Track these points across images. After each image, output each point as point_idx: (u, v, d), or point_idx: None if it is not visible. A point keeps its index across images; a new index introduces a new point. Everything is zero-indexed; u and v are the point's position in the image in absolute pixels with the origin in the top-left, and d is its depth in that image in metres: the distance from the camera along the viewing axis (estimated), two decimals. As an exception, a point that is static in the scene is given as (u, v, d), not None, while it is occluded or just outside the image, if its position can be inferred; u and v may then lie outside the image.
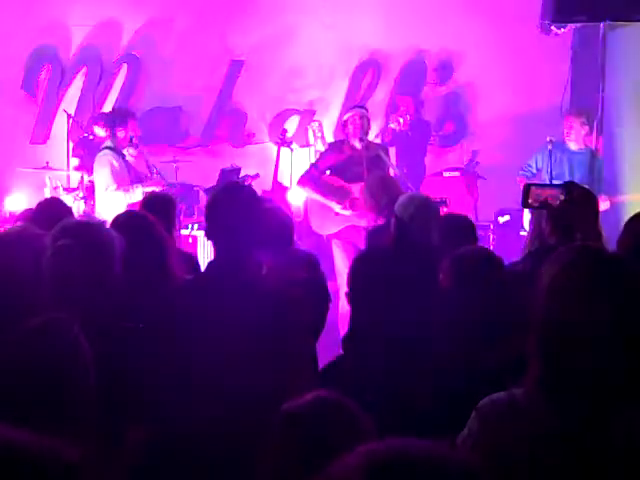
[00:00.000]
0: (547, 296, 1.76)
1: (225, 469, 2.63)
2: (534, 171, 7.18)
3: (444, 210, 5.42)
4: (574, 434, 1.69)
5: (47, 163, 7.67)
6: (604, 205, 6.20)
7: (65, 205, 4.68)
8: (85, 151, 7.74)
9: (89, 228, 2.86)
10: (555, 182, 6.56)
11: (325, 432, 1.69)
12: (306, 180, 6.67)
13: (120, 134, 6.60)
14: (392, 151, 7.44)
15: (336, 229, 6.47)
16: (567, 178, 6.88)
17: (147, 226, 3.37)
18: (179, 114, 8.67)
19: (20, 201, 7.82)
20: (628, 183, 7.71)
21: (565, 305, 1.73)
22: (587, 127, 7.10)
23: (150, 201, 4.62)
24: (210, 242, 3.01)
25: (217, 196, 3.00)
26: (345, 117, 6.69)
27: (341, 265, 6.35)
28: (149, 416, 2.64)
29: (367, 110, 6.75)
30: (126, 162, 6.66)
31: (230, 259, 2.90)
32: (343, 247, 6.41)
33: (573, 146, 7.03)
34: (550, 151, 6.81)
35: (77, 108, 8.34)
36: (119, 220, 3.49)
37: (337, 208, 6.43)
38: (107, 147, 6.65)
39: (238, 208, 2.90)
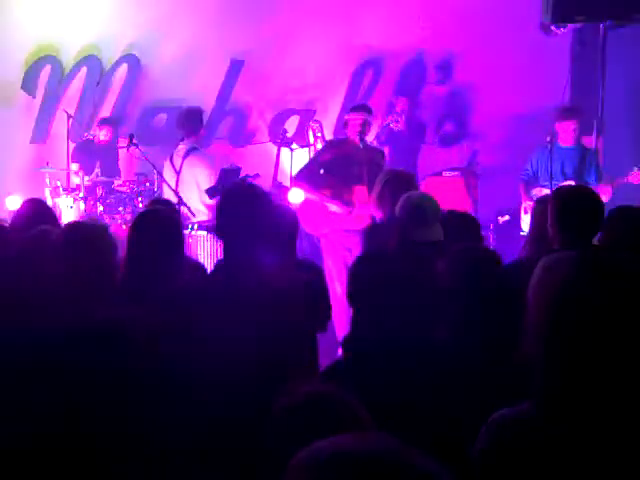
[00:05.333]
0: (555, 309, 1.75)
1: (229, 464, 2.63)
2: (530, 174, 7.19)
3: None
4: (588, 450, 1.68)
5: (47, 163, 7.67)
6: (606, 193, 6.28)
7: (47, 206, 4.67)
8: (86, 153, 7.77)
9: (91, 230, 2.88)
10: (554, 182, 6.59)
11: (321, 423, 1.69)
12: (301, 179, 6.58)
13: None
14: (385, 151, 7.40)
15: (327, 229, 6.42)
16: (560, 175, 6.91)
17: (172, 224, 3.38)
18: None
19: (20, 201, 7.81)
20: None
21: (576, 318, 1.72)
22: (577, 124, 7.11)
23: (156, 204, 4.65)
24: (220, 241, 3.03)
25: (231, 195, 3.02)
26: (346, 117, 6.64)
27: (330, 266, 6.32)
28: (155, 414, 2.64)
29: (372, 112, 6.68)
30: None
31: (243, 258, 2.91)
32: (332, 248, 6.38)
33: (564, 143, 7.05)
34: (550, 151, 6.82)
35: (77, 108, 8.34)
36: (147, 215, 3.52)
37: (333, 207, 6.37)
38: (195, 148, 6.99)
39: (253, 207, 2.93)
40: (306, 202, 6.55)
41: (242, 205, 2.96)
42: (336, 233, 6.32)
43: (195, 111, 7.22)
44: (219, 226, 3.01)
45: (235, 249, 2.96)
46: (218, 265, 3.10)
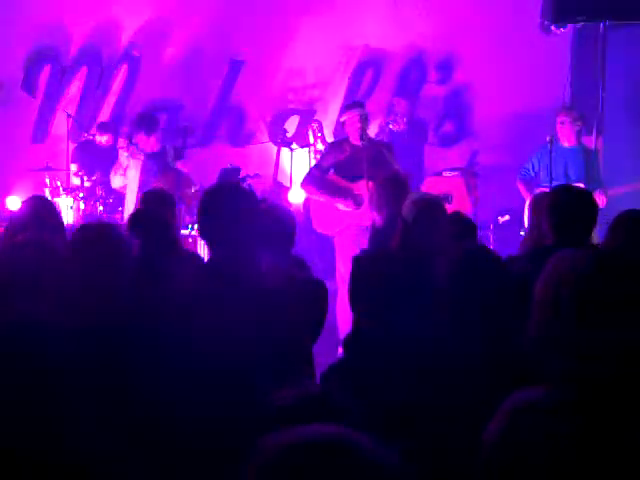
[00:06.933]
0: (566, 303, 1.76)
1: (216, 457, 2.63)
2: (532, 174, 7.18)
3: (447, 206, 5.41)
4: (598, 436, 1.68)
5: (47, 164, 7.68)
6: (600, 201, 6.22)
7: (50, 203, 4.62)
8: (86, 153, 7.78)
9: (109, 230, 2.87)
10: (554, 182, 6.58)
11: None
12: (308, 182, 6.65)
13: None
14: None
15: (338, 228, 6.45)
16: (562, 176, 6.89)
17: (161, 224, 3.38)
18: (179, 114, 8.67)
19: (20, 201, 7.82)
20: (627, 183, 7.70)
21: (586, 313, 1.74)
22: (580, 124, 7.10)
23: (149, 198, 4.61)
24: (204, 241, 2.99)
25: (211, 194, 2.98)
26: (343, 119, 6.66)
27: (341, 264, 6.34)
28: (146, 408, 2.63)
29: (365, 107, 6.69)
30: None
31: (227, 258, 2.88)
32: (345, 246, 6.39)
33: (566, 144, 7.04)
34: (550, 151, 6.81)
35: (77, 108, 8.34)
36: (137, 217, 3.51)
37: (341, 206, 6.41)
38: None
39: (233, 206, 2.88)
40: (316, 203, 6.59)
41: (222, 205, 2.90)
42: (348, 231, 6.33)
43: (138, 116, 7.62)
44: (201, 227, 2.97)
45: (217, 250, 2.92)
46: (205, 266, 3.07)
